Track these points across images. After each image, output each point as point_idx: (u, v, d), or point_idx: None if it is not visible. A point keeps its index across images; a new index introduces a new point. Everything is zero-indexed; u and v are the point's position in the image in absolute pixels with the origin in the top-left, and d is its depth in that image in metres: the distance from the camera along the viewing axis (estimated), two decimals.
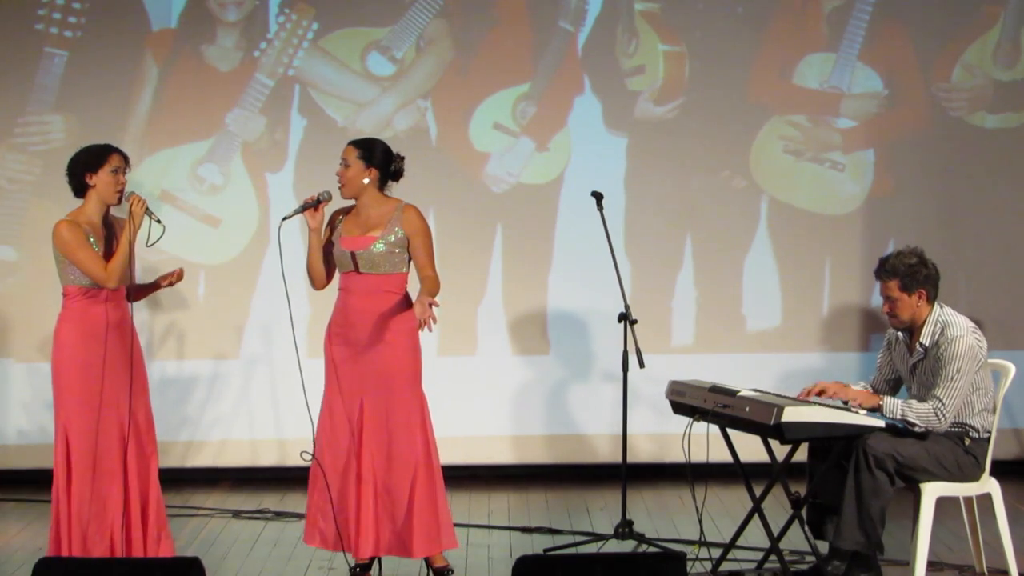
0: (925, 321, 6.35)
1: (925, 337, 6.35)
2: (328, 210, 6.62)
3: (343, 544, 6.52)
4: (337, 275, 6.65)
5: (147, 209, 6.40)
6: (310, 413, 6.48)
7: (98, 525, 6.39)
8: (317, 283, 6.65)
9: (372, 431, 6.50)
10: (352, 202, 6.59)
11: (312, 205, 6.51)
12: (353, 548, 6.52)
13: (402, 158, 6.61)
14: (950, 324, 6.30)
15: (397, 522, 6.50)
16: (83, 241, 6.33)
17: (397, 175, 6.62)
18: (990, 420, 6.35)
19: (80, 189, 6.43)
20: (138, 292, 6.62)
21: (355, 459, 6.50)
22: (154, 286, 6.65)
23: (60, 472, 6.41)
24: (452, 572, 6.59)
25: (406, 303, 6.53)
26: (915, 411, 6.21)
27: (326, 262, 6.63)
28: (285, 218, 6.60)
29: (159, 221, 6.40)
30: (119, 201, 6.43)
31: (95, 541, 6.37)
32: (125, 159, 6.47)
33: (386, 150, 6.59)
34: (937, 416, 6.19)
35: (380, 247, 6.49)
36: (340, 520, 6.51)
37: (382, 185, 6.58)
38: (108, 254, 6.39)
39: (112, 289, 6.36)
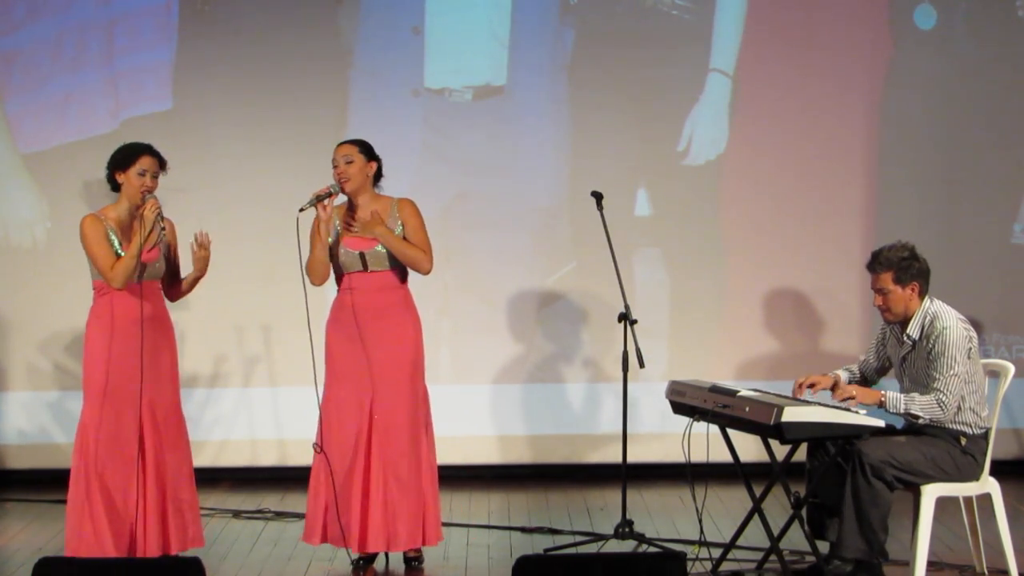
0: (915, 314, 6.38)
1: (913, 329, 6.37)
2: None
3: (347, 540, 6.59)
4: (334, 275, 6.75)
5: (159, 215, 6.47)
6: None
7: (111, 520, 6.41)
8: (321, 278, 6.72)
9: (382, 425, 6.60)
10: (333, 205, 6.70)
11: (324, 197, 6.60)
12: (359, 543, 6.60)
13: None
14: (939, 315, 6.33)
15: (405, 515, 6.60)
16: (100, 237, 6.46)
17: (381, 168, 6.78)
18: (984, 416, 6.35)
19: (115, 185, 6.56)
20: (180, 288, 6.71)
21: (365, 453, 6.59)
22: (195, 276, 6.67)
23: (77, 467, 6.47)
24: (421, 561, 6.76)
25: (409, 297, 6.72)
26: (918, 404, 6.23)
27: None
28: (301, 210, 6.64)
29: (163, 229, 6.51)
30: (143, 202, 6.50)
31: (106, 536, 6.39)
32: (159, 162, 6.57)
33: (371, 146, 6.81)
34: (941, 407, 6.21)
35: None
36: (346, 516, 6.59)
37: (375, 180, 6.72)
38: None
39: (118, 288, 6.44)
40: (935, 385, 6.24)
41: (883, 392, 6.33)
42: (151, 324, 6.53)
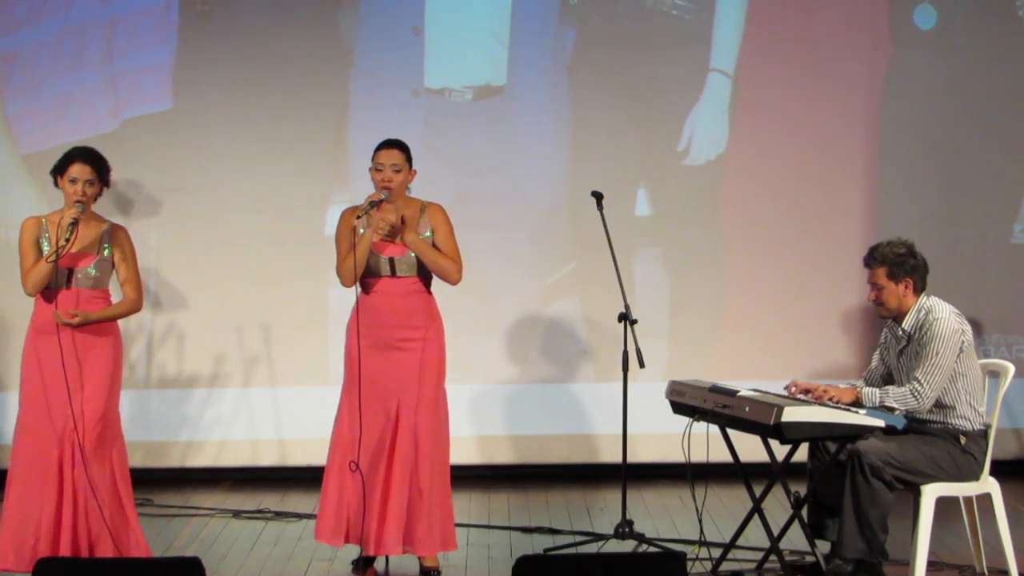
0: (909, 309, 6.39)
1: (908, 323, 6.39)
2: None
3: (365, 541, 6.58)
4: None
5: (71, 224, 6.33)
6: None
7: (31, 527, 6.33)
8: (354, 280, 6.62)
9: (409, 431, 6.58)
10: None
11: (377, 204, 6.54)
12: (375, 544, 6.57)
13: None
14: (934, 309, 6.35)
15: (425, 520, 6.57)
16: (28, 240, 6.43)
17: None
18: (982, 411, 6.36)
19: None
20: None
21: (388, 457, 6.57)
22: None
23: (8, 472, 6.45)
24: (439, 573, 6.67)
25: (434, 303, 6.69)
26: (892, 395, 6.25)
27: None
28: (358, 217, 6.56)
29: (67, 240, 6.33)
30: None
31: (26, 543, 6.32)
32: (96, 170, 6.44)
33: None
34: (914, 396, 6.22)
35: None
36: (366, 517, 6.56)
37: None
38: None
39: (29, 293, 6.42)
40: (914, 374, 6.26)
41: (859, 388, 6.35)
42: (79, 332, 6.40)
